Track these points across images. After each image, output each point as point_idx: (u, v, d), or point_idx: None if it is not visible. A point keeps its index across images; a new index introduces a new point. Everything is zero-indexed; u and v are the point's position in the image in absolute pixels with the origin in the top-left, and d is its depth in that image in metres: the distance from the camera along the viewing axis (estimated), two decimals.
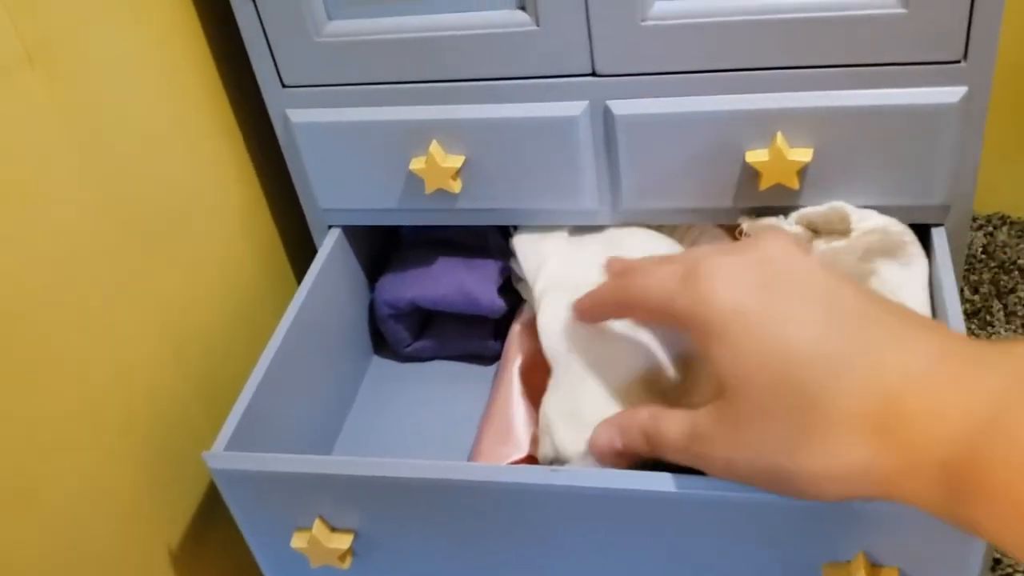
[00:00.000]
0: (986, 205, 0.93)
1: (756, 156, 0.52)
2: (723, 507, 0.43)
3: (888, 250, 0.52)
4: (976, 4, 0.46)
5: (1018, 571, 0.68)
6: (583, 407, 0.48)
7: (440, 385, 0.67)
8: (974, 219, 0.92)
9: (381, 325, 0.67)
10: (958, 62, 0.48)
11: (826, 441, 0.35)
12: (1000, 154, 0.70)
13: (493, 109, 0.55)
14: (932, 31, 0.48)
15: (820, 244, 0.52)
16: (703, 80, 0.52)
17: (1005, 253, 0.88)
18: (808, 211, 0.52)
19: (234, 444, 0.50)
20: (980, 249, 0.89)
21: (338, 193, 0.62)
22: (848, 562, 0.43)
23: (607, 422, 0.46)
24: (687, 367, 0.50)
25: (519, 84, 0.54)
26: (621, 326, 0.50)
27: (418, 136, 0.57)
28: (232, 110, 0.64)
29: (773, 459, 0.37)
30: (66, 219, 0.49)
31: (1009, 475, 0.30)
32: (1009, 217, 0.92)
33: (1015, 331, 0.82)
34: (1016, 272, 0.87)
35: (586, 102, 0.54)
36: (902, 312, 0.38)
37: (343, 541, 0.49)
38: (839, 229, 0.52)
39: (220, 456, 0.49)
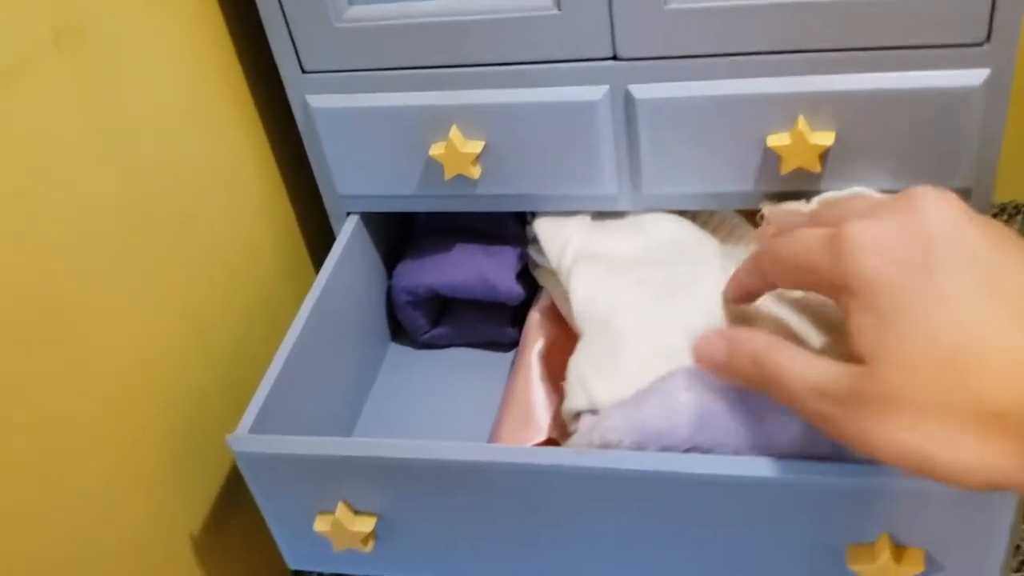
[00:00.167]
0: (1002, 193, 0.92)
1: (778, 140, 0.52)
2: (747, 488, 0.43)
3: None
4: None
5: None
6: (622, 362, 0.48)
7: (458, 371, 0.67)
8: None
9: (399, 312, 0.68)
10: (981, 44, 0.48)
11: (988, 442, 0.33)
12: (1017, 143, 0.69)
13: (513, 94, 0.55)
14: (955, 13, 0.48)
15: None
16: (725, 64, 0.52)
17: None
18: (829, 196, 0.52)
19: (256, 429, 0.50)
20: None
21: (357, 179, 0.62)
22: (872, 543, 0.43)
23: (718, 332, 0.44)
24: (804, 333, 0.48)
25: (539, 68, 0.54)
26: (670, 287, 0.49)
27: (438, 121, 0.57)
28: (252, 96, 0.65)
29: (925, 445, 0.34)
30: (91, 205, 0.50)
31: None
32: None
33: None
34: None
35: (607, 86, 0.54)
36: None
37: (366, 524, 0.49)
38: None
39: (244, 439, 0.49)
